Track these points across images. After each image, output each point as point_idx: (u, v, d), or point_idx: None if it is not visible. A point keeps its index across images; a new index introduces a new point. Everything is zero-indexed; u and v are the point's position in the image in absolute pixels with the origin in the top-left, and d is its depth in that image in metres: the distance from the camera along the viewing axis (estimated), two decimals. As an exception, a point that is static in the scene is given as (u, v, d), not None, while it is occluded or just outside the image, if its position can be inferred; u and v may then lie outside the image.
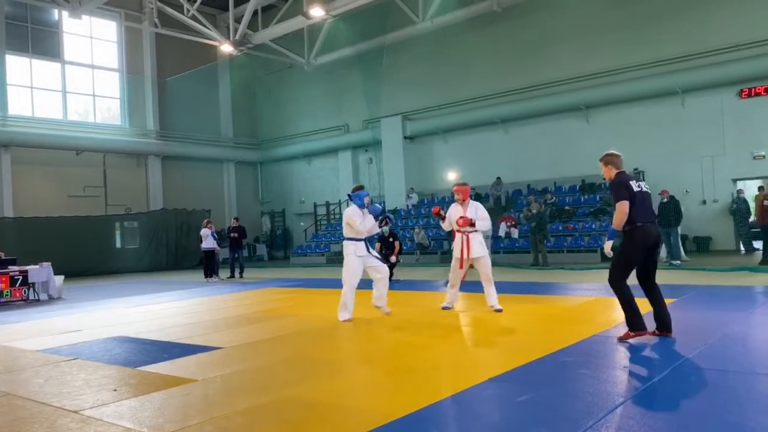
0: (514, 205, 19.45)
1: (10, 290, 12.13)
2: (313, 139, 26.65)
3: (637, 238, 5.39)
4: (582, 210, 17.77)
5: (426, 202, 22.35)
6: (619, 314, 7.32)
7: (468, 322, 7.26)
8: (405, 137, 23.08)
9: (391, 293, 10.87)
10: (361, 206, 7.66)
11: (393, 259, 12.70)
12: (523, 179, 20.34)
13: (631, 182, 5.47)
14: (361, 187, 7.91)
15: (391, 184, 23.42)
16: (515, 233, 17.56)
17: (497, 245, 17.59)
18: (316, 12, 19.30)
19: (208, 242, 16.27)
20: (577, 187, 19.03)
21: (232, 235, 16.62)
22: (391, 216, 12.43)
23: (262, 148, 29.07)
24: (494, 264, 16.45)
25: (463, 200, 7.85)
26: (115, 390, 4.65)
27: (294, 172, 28.07)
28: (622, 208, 5.35)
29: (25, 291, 12.39)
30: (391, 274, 12.81)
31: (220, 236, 17.86)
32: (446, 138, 22.37)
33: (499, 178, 20.12)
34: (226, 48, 22.03)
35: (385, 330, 6.92)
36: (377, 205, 8.12)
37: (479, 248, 7.66)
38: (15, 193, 21.28)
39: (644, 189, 5.55)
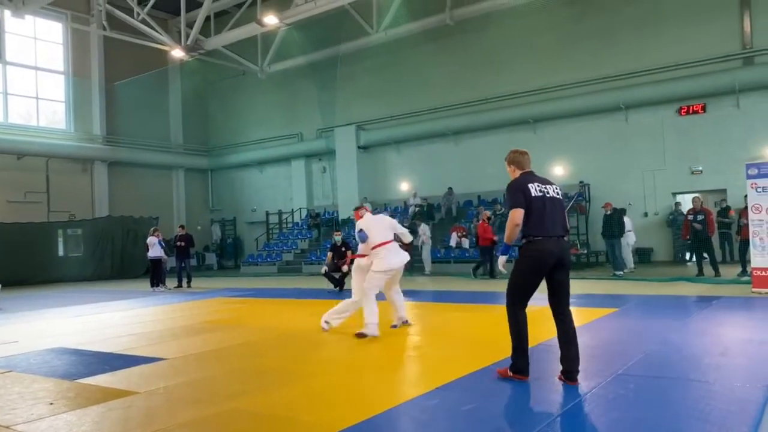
0: (465, 215, 19.74)
1: (-58, 300, 11.55)
2: (266, 146, 26.43)
3: (532, 255, 4.41)
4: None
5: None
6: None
7: (419, 330, 7.32)
8: (359, 147, 23.15)
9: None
10: None
11: (345, 268, 12.70)
12: (474, 190, 20.67)
13: (532, 185, 4.48)
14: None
15: (344, 193, 23.41)
16: (466, 243, 17.82)
17: (448, 254, 17.83)
18: (270, 20, 19.21)
19: (155, 251, 15.91)
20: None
21: (179, 243, 16.29)
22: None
23: (214, 155, 28.65)
24: (444, 273, 16.74)
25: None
26: (52, 404, 4.49)
27: (246, 180, 27.75)
28: (513, 218, 4.39)
29: (-42, 301, 11.82)
30: (342, 283, 12.85)
31: (168, 245, 17.47)
32: (399, 148, 22.56)
33: (450, 189, 20.40)
34: (177, 53, 21.66)
35: (336, 339, 6.91)
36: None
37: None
38: (-51, 197, 20.34)
39: (551, 194, 4.53)
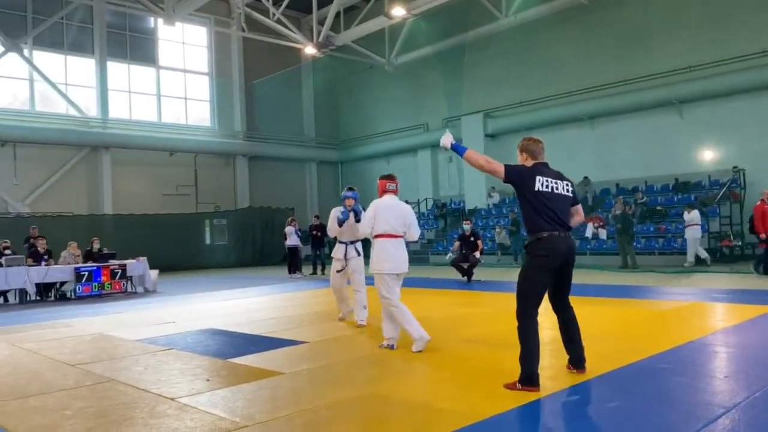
0: (602, 204, 18.74)
1: (111, 283, 12.93)
2: (393, 138, 26.79)
3: (541, 254, 4.19)
4: (675, 210, 16.86)
5: (507, 201, 21.97)
6: (717, 321, 6.93)
7: (549, 324, 7.05)
8: (486, 135, 22.75)
9: (472, 294, 10.81)
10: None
11: (477, 255, 12.58)
12: (612, 178, 19.57)
13: (540, 178, 4.25)
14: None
15: (471, 183, 23.17)
16: (603, 234, 16.90)
17: (584, 246, 17.01)
18: (398, 11, 19.39)
19: (292, 239, 16.70)
20: (670, 186, 18.09)
21: (314, 232, 16.99)
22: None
23: (343, 147, 29.54)
24: (580, 266, 15.99)
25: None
26: (208, 380, 4.85)
27: (374, 171, 28.26)
28: (493, 165, 4.25)
29: (123, 284, 13.17)
30: (471, 273, 12.74)
31: (303, 234, 18.30)
32: (529, 135, 21.83)
33: (586, 177, 19.45)
34: (310, 50, 22.53)
35: (469, 330, 6.85)
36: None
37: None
38: (114, 191, 22.71)
39: (560, 191, 4.32)
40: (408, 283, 13.15)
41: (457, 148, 4.49)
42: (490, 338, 6.28)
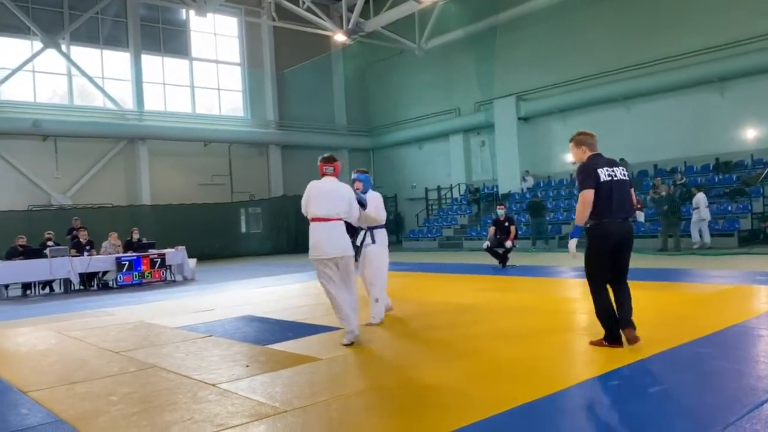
0: (640, 186, 18.33)
1: (151, 272, 13.25)
2: (424, 123, 26.63)
3: (596, 237, 4.71)
4: (716, 191, 16.43)
5: (542, 185, 21.69)
6: (762, 304, 6.74)
7: (586, 309, 6.96)
8: (519, 118, 22.44)
9: (507, 279, 10.73)
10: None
11: (508, 243, 12.46)
12: (649, 159, 19.12)
13: (601, 169, 4.69)
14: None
15: (504, 167, 22.91)
16: (641, 217, 16.49)
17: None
18: (427, -5, 19.15)
19: (326, 227, 16.77)
20: (711, 166, 17.60)
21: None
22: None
23: (374, 134, 29.51)
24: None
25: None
26: (248, 366, 4.94)
27: (405, 157, 28.27)
28: (585, 199, 4.61)
29: (163, 273, 13.47)
30: (506, 259, 12.63)
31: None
32: (564, 117, 21.47)
33: (623, 159, 18.99)
34: (340, 37, 22.49)
35: (504, 316, 6.81)
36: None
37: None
38: (151, 182, 23.16)
39: (618, 177, 4.73)
40: (440, 269, 13.17)
41: (577, 231, 4.84)
42: (533, 323, 6.23)
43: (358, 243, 6.73)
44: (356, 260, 6.58)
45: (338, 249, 5.53)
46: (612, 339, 4.73)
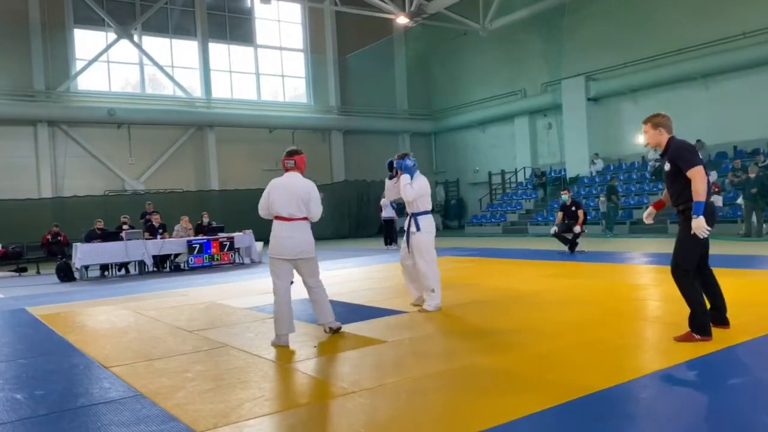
0: (718, 169, 17.40)
1: (220, 254, 13.63)
2: (488, 106, 26.14)
3: (706, 217, 4.38)
4: (802, 173, 15.38)
5: (612, 168, 20.94)
6: None
7: (659, 296, 6.66)
8: (588, 99, 21.69)
9: (576, 265, 10.43)
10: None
11: (577, 229, 12.10)
12: (729, 140, 18.11)
13: None
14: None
15: (572, 149, 22.25)
16: (719, 200, 15.74)
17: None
18: (492, -26, 18.70)
19: (388, 212, 16.83)
20: (796, 146, 16.52)
21: (409, 204, 16.98)
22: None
23: (436, 118, 29.23)
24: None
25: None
26: (315, 346, 5.00)
27: (468, 140, 27.88)
28: (702, 174, 4.36)
29: (231, 255, 13.84)
30: (575, 244, 12.28)
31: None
32: (636, 98, 20.59)
33: (699, 140, 18.11)
34: (402, 20, 22.31)
35: (570, 303, 6.61)
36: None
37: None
38: (219, 168, 23.82)
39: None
40: (505, 254, 12.93)
41: (702, 208, 4.40)
42: (601, 310, 6.03)
43: (405, 228, 6.76)
44: (407, 247, 6.68)
45: (297, 251, 5.18)
46: (704, 332, 4.42)
